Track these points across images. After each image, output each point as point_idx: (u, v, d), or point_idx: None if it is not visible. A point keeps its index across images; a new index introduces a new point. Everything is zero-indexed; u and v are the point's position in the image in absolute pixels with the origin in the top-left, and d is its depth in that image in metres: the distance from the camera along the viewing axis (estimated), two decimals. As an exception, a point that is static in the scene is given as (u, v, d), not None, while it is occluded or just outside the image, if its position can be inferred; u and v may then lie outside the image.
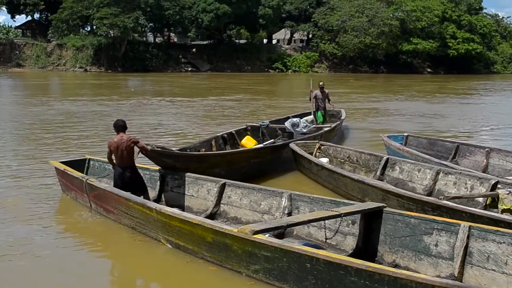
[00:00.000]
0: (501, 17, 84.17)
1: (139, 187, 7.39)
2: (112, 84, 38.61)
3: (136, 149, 7.38)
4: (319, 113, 14.89)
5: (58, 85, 38.42)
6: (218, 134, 11.73)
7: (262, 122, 12.94)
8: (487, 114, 22.38)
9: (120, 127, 7.38)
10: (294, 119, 12.78)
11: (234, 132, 12.03)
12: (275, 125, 12.96)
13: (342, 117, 15.17)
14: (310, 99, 14.93)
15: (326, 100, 15.17)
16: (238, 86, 37.85)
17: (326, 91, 15.20)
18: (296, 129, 12.43)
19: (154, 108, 22.34)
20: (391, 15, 63.16)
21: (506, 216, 5.99)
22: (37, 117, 18.36)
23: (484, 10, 76.46)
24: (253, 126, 12.77)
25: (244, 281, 5.34)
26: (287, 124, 12.56)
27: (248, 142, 11.61)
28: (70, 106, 22.12)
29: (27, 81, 41.26)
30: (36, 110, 20.48)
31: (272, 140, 12.17)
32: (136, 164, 8.23)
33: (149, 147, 7.38)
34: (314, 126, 13.05)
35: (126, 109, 21.40)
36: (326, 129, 12.77)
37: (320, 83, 15.22)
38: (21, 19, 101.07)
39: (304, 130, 12.48)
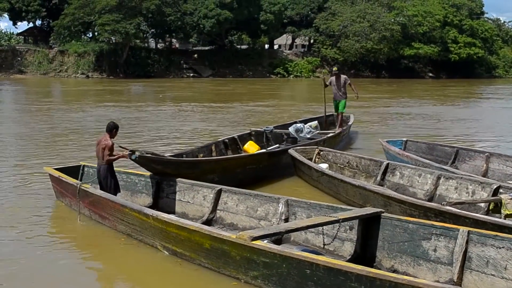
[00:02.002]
0: (502, 22, 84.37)
1: (105, 189, 7.42)
2: (130, 90, 38.74)
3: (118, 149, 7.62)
4: (335, 102, 14.08)
5: (78, 92, 37.63)
6: (220, 139, 11.61)
7: (266, 127, 12.85)
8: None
9: (107, 128, 7.53)
10: (298, 125, 12.71)
11: (236, 137, 11.92)
12: (279, 130, 12.87)
13: (350, 123, 14.88)
14: (325, 86, 14.13)
15: (347, 86, 14.05)
16: (260, 91, 37.72)
17: (343, 76, 14.16)
18: (300, 135, 12.37)
19: (195, 113, 22.36)
20: (392, 20, 63.12)
21: (510, 222, 5.94)
22: (82, 123, 18.32)
23: (486, 15, 76.62)
24: (257, 131, 12.68)
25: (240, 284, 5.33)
26: (291, 129, 12.48)
27: (251, 147, 11.44)
28: (106, 112, 22.16)
29: (40, 87, 41.09)
30: (76, 116, 20.53)
31: (277, 145, 12.07)
32: (132, 171, 8.24)
33: (137, 153, 7.37)
34: (318, 131, 12.94)
35: (168, 115, 21.43)
36: (330, 135, 12.67)
37: (334, 69, 14.39)
38: (23, 25, 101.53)
39: (308, 136, 12.42)
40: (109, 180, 7.49)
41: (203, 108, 24.95)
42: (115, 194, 7.41)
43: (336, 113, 14.38)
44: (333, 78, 14.08)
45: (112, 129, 7.51)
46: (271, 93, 36.44)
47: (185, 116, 21.41)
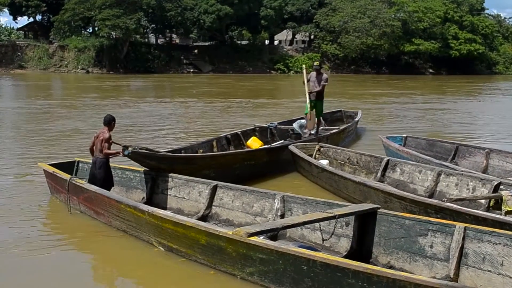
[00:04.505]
0: (503, 18, 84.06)
1: (100, 184, 7.37)
2: (152, 86, 38.75)
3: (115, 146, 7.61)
4: (310, 102, 11.98)
5: (105, 88, 36.02)
6: (222, 135, 11.56)
7: (271, 123, 12.80)
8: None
9: (104, 121, 7.63)
10: (302, 121, 12.63)
11: (239, 132, 11.90)
12: (284, 126, 12.79)
13: (356, 119, 14.72)
14: (304, 83, 12.31)
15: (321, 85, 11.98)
16: (285, 87, 37.29)
17: (325, 75, 12.21)
18: (304, 131, 12.31)
19: (244, 109, 22.16)
20: (393, 16, 63.10)
21: (511, 219, 5.91)
22: (134, 119, 18.11)
23: (486, 11, 76.51)
24: (261, 127, 12.65)
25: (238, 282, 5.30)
26: (295, 125, 12.43)
27: (254, 143, 11.42)
28: (151, 108, 22.26)
29: (57, 82, 40.91)
30: (127, 112, 20.47)
31: (282, 141, 12.01)
32: (128, 166, 8.18)
33: (130, 149, 7.36)
34: (321, 127, 12.75)
35: (218, 111, 21.44)
36: (333, 131, 12.57)
37: (315, 63, 12.57)
38: (23, 20, 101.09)
39: (312, 132, 12.37)
40: (102, 173, 7.48)
41: (247, 104, 24.67)
42: (107, 189, 7.39)
43: (308, 112, 12.12)
44: (313, 73, 12.23)
45: (110, 122, 7.60)
46: (300, 89, 36.01)
47: (231, 112, 21.25)
